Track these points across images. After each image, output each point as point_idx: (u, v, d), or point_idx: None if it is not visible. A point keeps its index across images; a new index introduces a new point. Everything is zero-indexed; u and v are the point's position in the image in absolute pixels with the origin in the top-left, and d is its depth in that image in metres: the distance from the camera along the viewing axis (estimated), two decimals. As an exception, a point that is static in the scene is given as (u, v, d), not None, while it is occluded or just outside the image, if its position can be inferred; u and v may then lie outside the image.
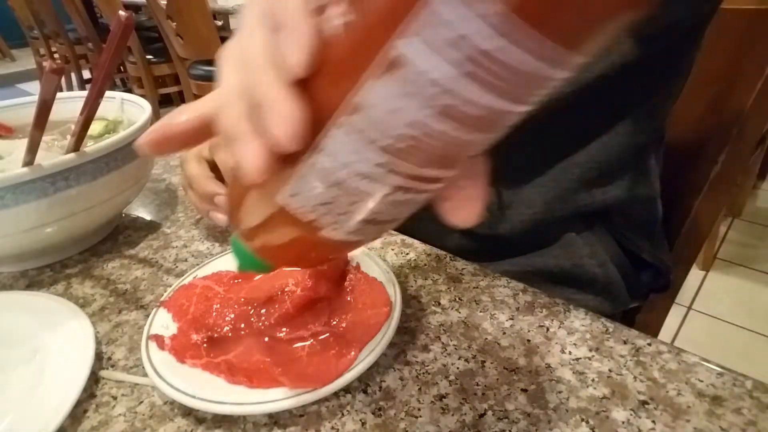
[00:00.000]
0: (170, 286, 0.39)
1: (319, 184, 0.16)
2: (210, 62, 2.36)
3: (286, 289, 0.37)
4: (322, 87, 0.15)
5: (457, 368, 0.32)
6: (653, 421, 0.28)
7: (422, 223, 0.37)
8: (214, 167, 0.46)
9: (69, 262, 0.47)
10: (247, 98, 0.17)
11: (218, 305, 0.36)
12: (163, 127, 0.23)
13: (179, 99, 3.52)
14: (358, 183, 0.16)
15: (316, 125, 0.15)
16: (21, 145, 0.41)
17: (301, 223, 0.18)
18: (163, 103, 3.54)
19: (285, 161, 0.16)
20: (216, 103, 0.19)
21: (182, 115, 0.23)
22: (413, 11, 0.12)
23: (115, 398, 0.32)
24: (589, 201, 0.46)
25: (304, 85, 0.15)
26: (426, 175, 0.16)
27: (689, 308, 1.56)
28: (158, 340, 0.33)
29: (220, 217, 0.45)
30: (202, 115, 0.23)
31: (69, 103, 0.51)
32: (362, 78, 0.14)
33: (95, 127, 0.51)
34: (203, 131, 0.23)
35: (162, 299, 0.37)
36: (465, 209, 0.19)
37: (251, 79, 0.16)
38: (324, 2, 0.15)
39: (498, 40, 0.12)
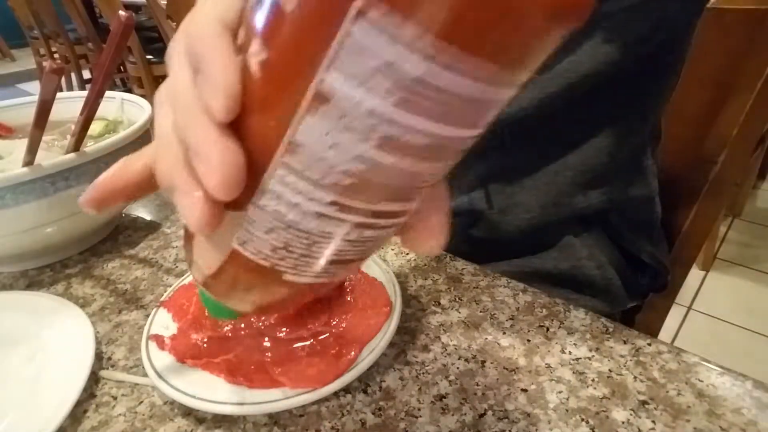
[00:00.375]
0: (170, 286, 0.39)
1: (272, 228, 0.15)
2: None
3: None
4: (256, 126, 0.14)
5: (457, 368, 0.32)
6: (653, 421, 0.28)
7: None
8: None
9: (69, 262, 0.47)
10: (180, 143, 0.15)
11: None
12: (104, 183, 0.22)
13: (179, 99, 3.52)
14: (312, 224, 0.14)
15: (259, 165, 0.14)
16: (21, 145, 0.41)
17: (260, 269, 0.16)
18: (163, 103, 3.54)
19: (233, 205, 0.15)
20: (153, 149, 0.17)
21: (124, 167, 0.21)
22: (335, 41, 0.11)
23: (115, 398, 0.32)
24: (586, 203, 0.46)
25: (238, 125, 0.14)
26: (384, 209, 0.15)
27: (689, 308, 1.56)
28: (158, 340, 0.33)
29: None
30: (145, 165, 0.21)
31: (69, 103, 0.51)
32: (294, 115, 0.12)
33: (95, 127, 0.51)
34: (149, 181, 0.21)
35: (162, 299, 0.37)
36: (429, 239, 0.18)
37: (180, 122, 0.15)
38: (243, 39, 0.14)
39: (426, 65, 0.11)
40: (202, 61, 0.14)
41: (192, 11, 0.16)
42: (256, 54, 0.13)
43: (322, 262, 0.16)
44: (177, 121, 0.15)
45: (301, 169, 0.13)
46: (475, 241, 0.49)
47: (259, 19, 0.13)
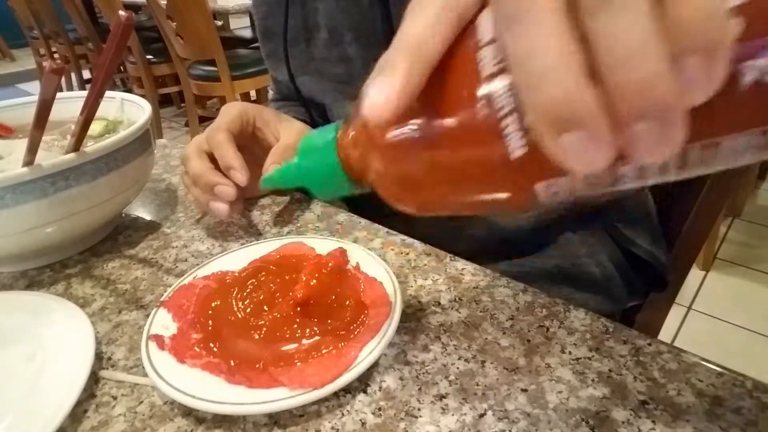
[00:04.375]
0: (170, 286, 0.39)
1: (599, 179, 0.16)
2: (210, 62, 2.36)
3: (286, 289, 0.37)
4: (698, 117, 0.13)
5: (457, 368, 0.32)
6: (653, 421, 0.28)
7: (423, 225, 0.37)
8: (212, 158, 0.47)
9: (69, 262, 0.47)
10: (624, 100, 0.12)
11: (218, 305, 0.36)
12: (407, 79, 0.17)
13: (179, 99, 3.53)
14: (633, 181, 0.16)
15: None
16: (21, 145, 0.41)
17: (528, 195, 0.17)
18: (163, 103, 3.54)
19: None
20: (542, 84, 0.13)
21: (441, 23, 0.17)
22: None
23: (115, 398, 0.32)
24: (585, 199, 0.46)
25: None
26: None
27: (689, 308, 1.56)
28: (158, 340, 0.33)
29: (221, 207, 0.45)
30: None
31: (69, 103, 0.51)
32: (738, 119, 0.13)
33: (95, 127, 0.51)
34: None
35: (162, 299, 0.37)
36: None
37: (626, 80, 0.12)
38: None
39: None
40: (703, 37, 0.11)
41: None
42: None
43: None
44: (620, 79, 0.12)
45: (702, 157, 0.14)
46: (475, 241, 0.49)
47: None
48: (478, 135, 0.16)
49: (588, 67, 0.12)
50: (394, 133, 0.19)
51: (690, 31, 0.11)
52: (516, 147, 0.15)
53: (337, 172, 0.23)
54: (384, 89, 0.17)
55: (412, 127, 0.18)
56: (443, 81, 0.17)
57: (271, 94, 0.71)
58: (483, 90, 0.15)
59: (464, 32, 0.17)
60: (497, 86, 0.15)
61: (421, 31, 0.17)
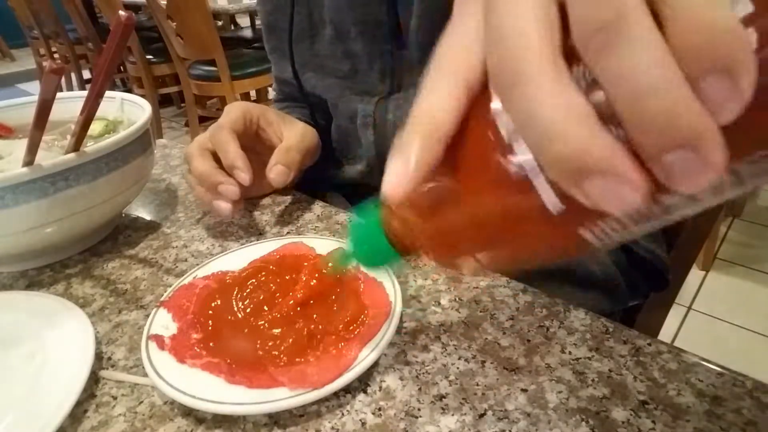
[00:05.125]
0: (170, 286, 0.39)
1: (652, 214, 0.15)
2: (210, 62, 2.36)
3: (286, 289, 0.37)
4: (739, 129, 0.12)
5: (457, 368, 0.32)
6: (653, 421, 0.28)
7: None
8: (215, 157, 0.47)
9: (69, 262, 0.47)
10: (644, 134, 0.12)
11: (218, 305, 0.36)
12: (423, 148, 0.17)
13: (179, 99, 3.53)
14: (707, 196, 0.14)
15: None
16: (21, 145, 0.41)
17: (574, 240, 0.16)
18: (163, 103, 3.54)
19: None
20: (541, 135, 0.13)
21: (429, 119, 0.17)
22: None
23: (115, 398, 0.32)
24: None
25: None
26: None
27: (689, 308, 1.56)
28: (158, 340, 0.33)
29: (224, 206, 0.45)
30: (455, 110, 0.17)
31: (69, 103, 0.51)
32: None
33: (95, 127, 0.51)
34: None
35: (162, 299, 0.37)
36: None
37: (662, 111, 0.11)
38: None
39: None
40: (734, 56, 0.11)
41: None
42: None
43: (651, 225, 0.16)
44: (650, 116, 0.11)
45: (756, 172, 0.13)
46: None
47: None
48: (510, 194, 0.16)
49: (598, 111, 0.12)
50: (432, 203, 0.19)
51: (701, 55, 0.11)
52: (548, 200, 0.15)
53: (389, 249, 0.23)
54: (398, 169, 0.17)
55: (449, 195, 0.18)
56: (469, 146, 0.17)
57: (274, 94, 0.71)
58: (506, 152, 0.16)
59: (482, 96, 0.17)
60: (517, 148, 0.15)
61: (430, 107, 0.17)
